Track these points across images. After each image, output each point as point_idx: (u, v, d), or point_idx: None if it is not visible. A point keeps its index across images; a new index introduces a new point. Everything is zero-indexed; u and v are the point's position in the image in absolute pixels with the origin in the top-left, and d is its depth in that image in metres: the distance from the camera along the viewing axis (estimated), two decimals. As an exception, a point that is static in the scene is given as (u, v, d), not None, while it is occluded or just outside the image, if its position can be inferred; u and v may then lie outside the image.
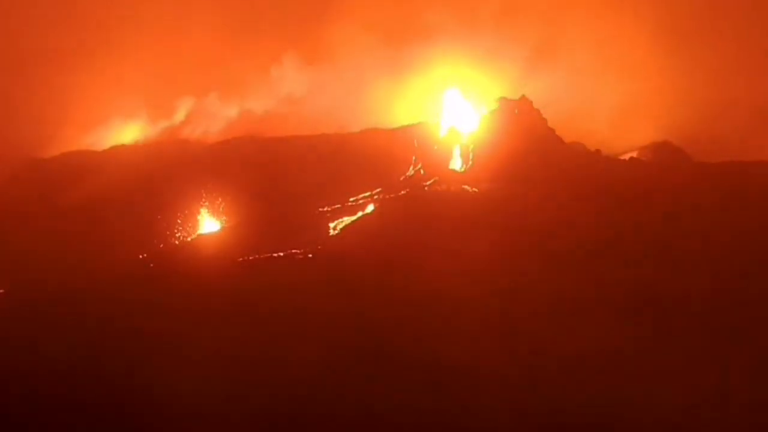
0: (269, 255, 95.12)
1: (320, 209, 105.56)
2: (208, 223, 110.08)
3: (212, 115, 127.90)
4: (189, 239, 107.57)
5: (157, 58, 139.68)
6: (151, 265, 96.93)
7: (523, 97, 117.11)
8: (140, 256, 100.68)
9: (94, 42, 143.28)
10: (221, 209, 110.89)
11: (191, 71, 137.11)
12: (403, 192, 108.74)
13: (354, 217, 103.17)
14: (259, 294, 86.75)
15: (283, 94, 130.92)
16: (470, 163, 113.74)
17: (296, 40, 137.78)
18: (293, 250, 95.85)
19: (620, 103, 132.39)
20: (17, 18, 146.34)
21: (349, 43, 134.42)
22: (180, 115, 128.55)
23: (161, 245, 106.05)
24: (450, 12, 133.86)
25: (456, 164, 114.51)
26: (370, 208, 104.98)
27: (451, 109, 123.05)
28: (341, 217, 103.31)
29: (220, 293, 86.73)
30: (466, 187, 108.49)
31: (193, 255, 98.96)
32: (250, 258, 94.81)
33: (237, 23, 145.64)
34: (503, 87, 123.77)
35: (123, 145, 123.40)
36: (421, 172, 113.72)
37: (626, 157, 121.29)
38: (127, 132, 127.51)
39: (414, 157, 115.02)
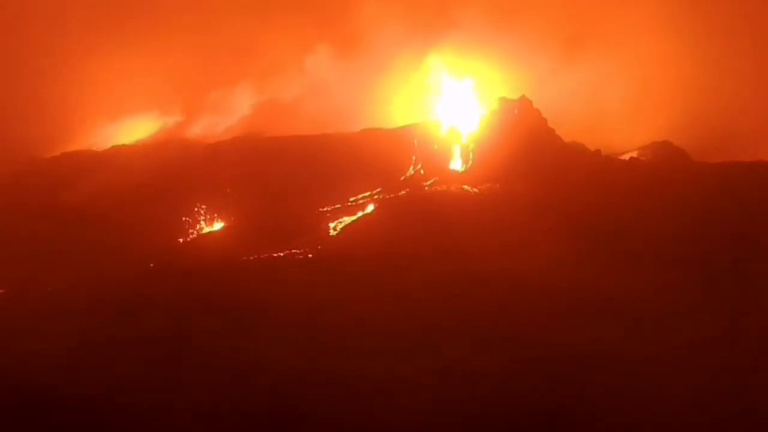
0: (269, 255, 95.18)
1: (320, 209, 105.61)
2: (209, 223, 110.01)
3: (211, 116, 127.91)
4: (189, 239, 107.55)
5: (158, 58, 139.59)
6: (152, 264, 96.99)
7: (523, 97, 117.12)
8: (140, 256, 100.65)
9: (96, 40, 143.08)
10: (222, 209, 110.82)
11: (191, 71, 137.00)
12: (403, 192, 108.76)
13: (354, 217, 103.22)
14: (259, 294, 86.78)
15: (283, 94, 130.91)
16: (470, 163, 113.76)
17: (298, 38, 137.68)
18: (293, 250, 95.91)
19: (620, 104, 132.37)
20: (19, 15, 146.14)
21: (351, 43, 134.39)
22: (180, 116, 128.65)
23: (161, 245, 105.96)
24: (455, 11, 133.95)
25: (456, 164, 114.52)
26: (370, 208, 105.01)
27: (451, 110, 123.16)
28: (341, 217, 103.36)
29: (221, 293, 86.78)
30: (466, 187, 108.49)
31: (194, 255, 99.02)
32: (251, 258, 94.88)
33: (238, 22, 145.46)
34: (504, 86, 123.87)
35: (123, 145, 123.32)
36: (421, 172, 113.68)
37: (626, 157, 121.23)
38: (128, 132, 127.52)
39: (414, 157, 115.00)
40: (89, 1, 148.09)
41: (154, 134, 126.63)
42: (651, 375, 75.63)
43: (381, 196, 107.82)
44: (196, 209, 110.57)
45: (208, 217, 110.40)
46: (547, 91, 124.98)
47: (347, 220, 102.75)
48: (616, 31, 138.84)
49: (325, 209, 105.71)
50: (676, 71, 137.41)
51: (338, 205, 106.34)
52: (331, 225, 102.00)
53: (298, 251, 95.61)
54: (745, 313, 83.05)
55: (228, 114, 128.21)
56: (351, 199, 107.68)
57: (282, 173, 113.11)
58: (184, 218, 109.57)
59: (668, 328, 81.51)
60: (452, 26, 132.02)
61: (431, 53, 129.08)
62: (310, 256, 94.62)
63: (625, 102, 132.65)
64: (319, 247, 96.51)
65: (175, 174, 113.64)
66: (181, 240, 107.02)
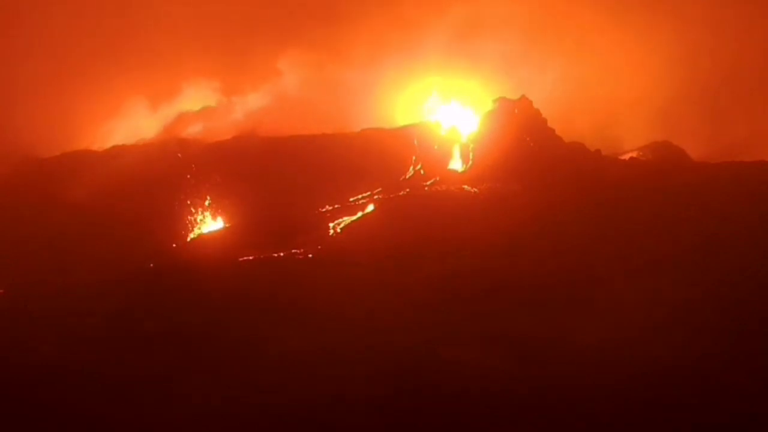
0: (269, 255, 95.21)
1: (320, 209, 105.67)
2: (209, 223, 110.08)
3: (212, 115, 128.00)
4: (189, 239, 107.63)
5: (158, 58, 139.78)
6: (151, 264, 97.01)
7: (522, 96, 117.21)
8: (140, 256, 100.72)
9: (96, 40, 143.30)
10: (222, 209, 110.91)
11: (193, 70, 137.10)
12: (403, 192, 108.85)
13: (354, 217, 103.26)
14: (259, 294, 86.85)
15: (283, 94, 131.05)
16: (470, 163, 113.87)
17: (297, 39, 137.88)
18: (293, 250, 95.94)
19: (621, 104, 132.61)
20: (18, 17, 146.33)
21: (351, 42, 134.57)
22: (180, 116, 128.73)
23: (162, 245, 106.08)
24: (455, 10, 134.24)
25: (456, 164, 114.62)
26: (370, 208, 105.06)
27: (450, 110, 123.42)
28: (341, 217, 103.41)
29: (221, 293, 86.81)
30: (466, 187, 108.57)
31: (194, 255, 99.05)
32: (251, 258, 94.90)
33: (239, 22, 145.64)
34: (504, 86, 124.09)
35: (123, 145, 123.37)
36: (421, 172, 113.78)
37: (626, 157, 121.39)
38: (128, 132, 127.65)
39: (414, 157, 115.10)
40: (89, 1, 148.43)
41: (154, 134, 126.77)
42: (652, 376, 75.68)
43: (381, 196, 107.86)
44: (196, 209, 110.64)
45: (208, 217, 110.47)
46: (547, 91, 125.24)
47: (347, 220, 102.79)
48: (617, 31, 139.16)
49: (325, 209, 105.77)
50: (677, 71, 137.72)
51: (338, 205, 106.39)
52: (331, 225, 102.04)
53: (298, 251, 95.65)
54: (745, 313, 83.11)
55: (228, 113, 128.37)
56: (351, 199, 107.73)
57: (282, 173, 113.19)
58: (184, 218, 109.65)
59: (669, 326, 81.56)
60: (453, 26, 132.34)
61: (431, 53, 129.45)
62: (310, 256, 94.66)
63: (625, 102, 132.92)
64: (319, 247, 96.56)
65: (175, 174, 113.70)
66: (181, 240, 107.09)
